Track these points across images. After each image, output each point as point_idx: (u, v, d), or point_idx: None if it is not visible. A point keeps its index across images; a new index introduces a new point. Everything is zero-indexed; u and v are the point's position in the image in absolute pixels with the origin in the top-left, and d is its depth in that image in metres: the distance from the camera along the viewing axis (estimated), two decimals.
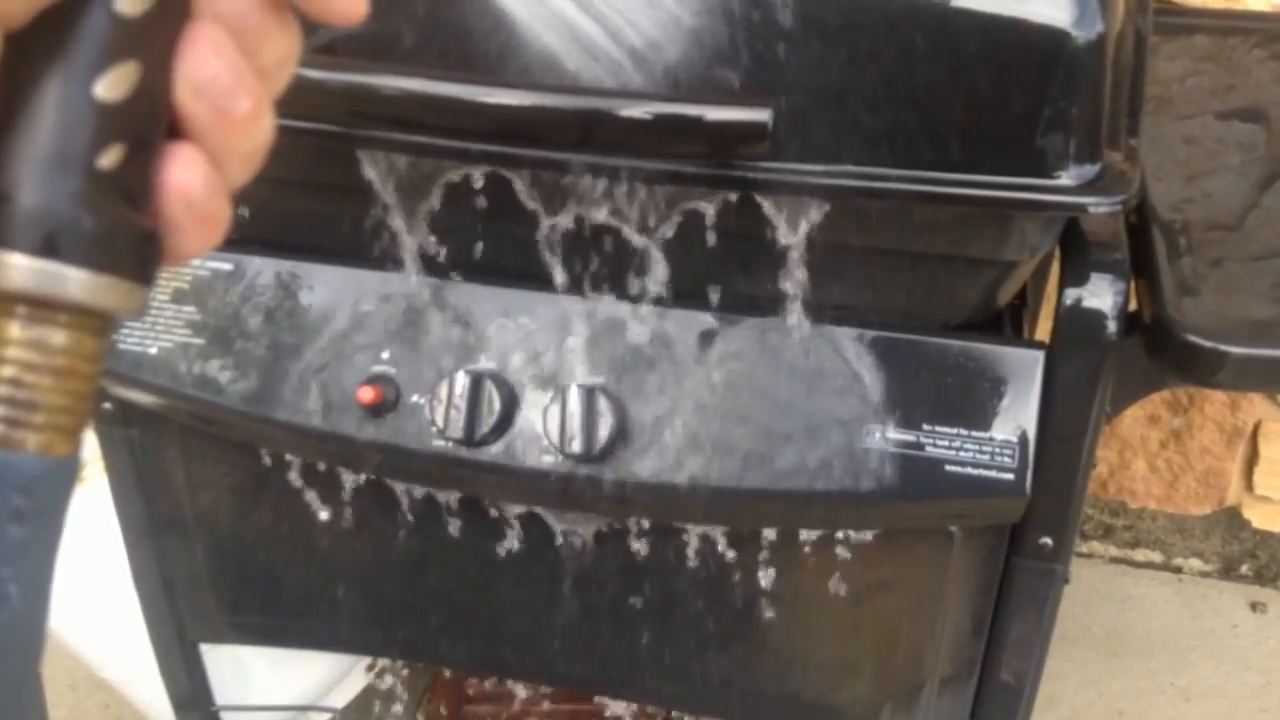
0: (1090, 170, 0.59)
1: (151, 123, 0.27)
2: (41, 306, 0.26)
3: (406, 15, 0.62)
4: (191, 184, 0.28)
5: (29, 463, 0.26)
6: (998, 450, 0.66)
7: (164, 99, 0.27)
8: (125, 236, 0.27)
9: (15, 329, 0.26)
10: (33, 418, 0.26)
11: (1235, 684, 1.41)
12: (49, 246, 0.26)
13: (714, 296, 0.69)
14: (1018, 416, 0.66)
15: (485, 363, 0.71)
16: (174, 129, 0.28)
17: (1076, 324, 0.65)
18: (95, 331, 0.27)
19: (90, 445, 0.86)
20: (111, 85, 0.26)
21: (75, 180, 0.26)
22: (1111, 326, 0.64)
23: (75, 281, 0.26)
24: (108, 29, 0.26)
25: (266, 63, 0.29)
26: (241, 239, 0.73)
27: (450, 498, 0.79)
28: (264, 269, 0.74)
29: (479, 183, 0.66)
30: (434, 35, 0.62)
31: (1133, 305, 0.68)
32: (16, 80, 0.26)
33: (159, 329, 0.75)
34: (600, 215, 0.65)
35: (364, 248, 0.71)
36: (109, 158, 0.26)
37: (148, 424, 0.83)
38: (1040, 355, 0.66)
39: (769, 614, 0.79)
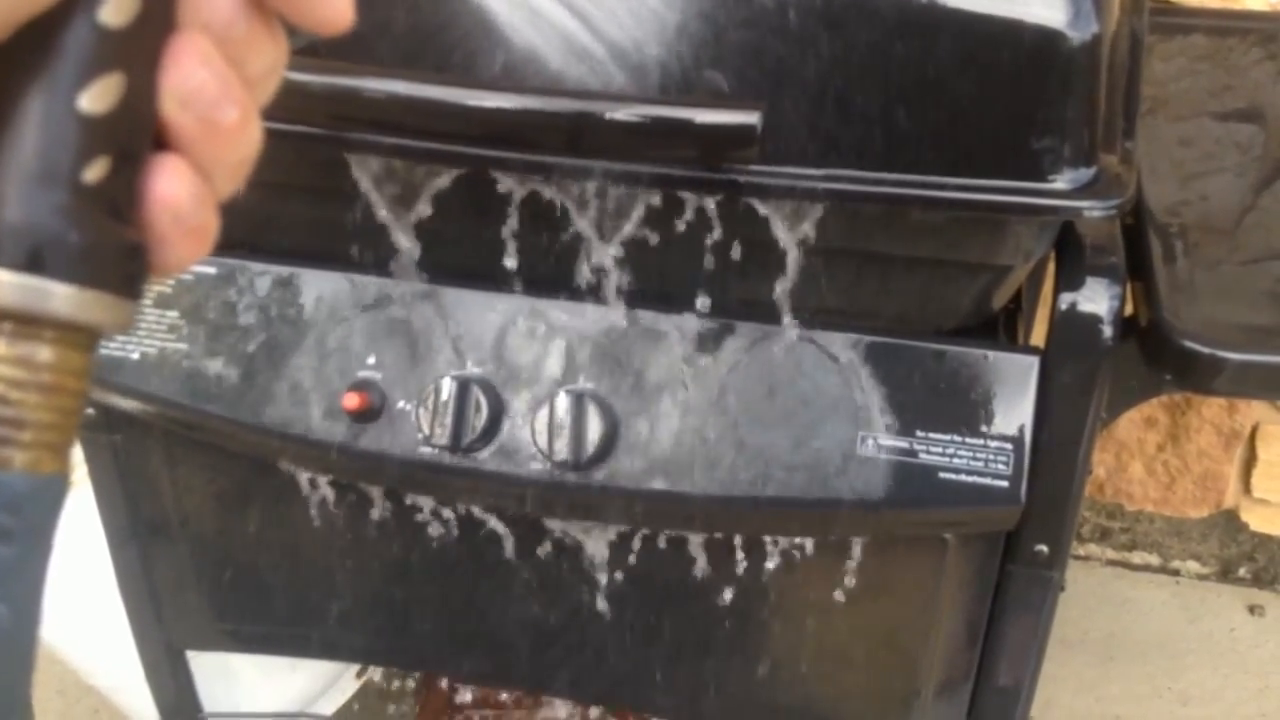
0: (1085, 173, 0.58)
1: (137, 135, 0.27)
2: (27, 322, 0.26)
3: (391, 16, 0.61)
4: (178, 196, 0.27)
5: (16, 481, 0.26)
6: (992, 457, 0.65)
7: (150, 110, 0.27)
8: (112, 250, 0.26)
9: (1, 345, 0.26)
10: (20, 435, 0.26)
11: (1233, 687, 1.40)
12: (34, 262, 0.25)
13: (705, 301, 0.68)
14: (1012, 423, 0.65)
15: (472, 368, 0.70)
16: (160, 140, 0.28)
17: (1072, 329, 0.64)
18: (82, 347, 0.27)
19: (74, 450, 0.85)
20: (96, 97, 0.26)
21: (60, 194, 0.26)
22: (1107, 331, 0.63)
23: (61, 297, 0.26)
24: (91, 41, 0.26)
25: (253, 72, 0.28)
26: (226, 243, 0.72)
27: (438, 504, 0.78)
28: (248, 273, 0.74)
29: (465, 187, 0.65)
30: (419, 36, 0.61)
31: (1129, 310, 0.67)
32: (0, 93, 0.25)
33: (142, 334, 0.74)
34: (587, 219, 0.64)
35: (350, 252, 0.70)
36: (94, 171, 0.26)
37: (131, 429, 0.82)
38: (1035, 361, 0.66)
39: (762, 621, 0.78)
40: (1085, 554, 1.57)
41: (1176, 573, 1.55)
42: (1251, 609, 1.50)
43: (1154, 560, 1.56)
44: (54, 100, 0.25)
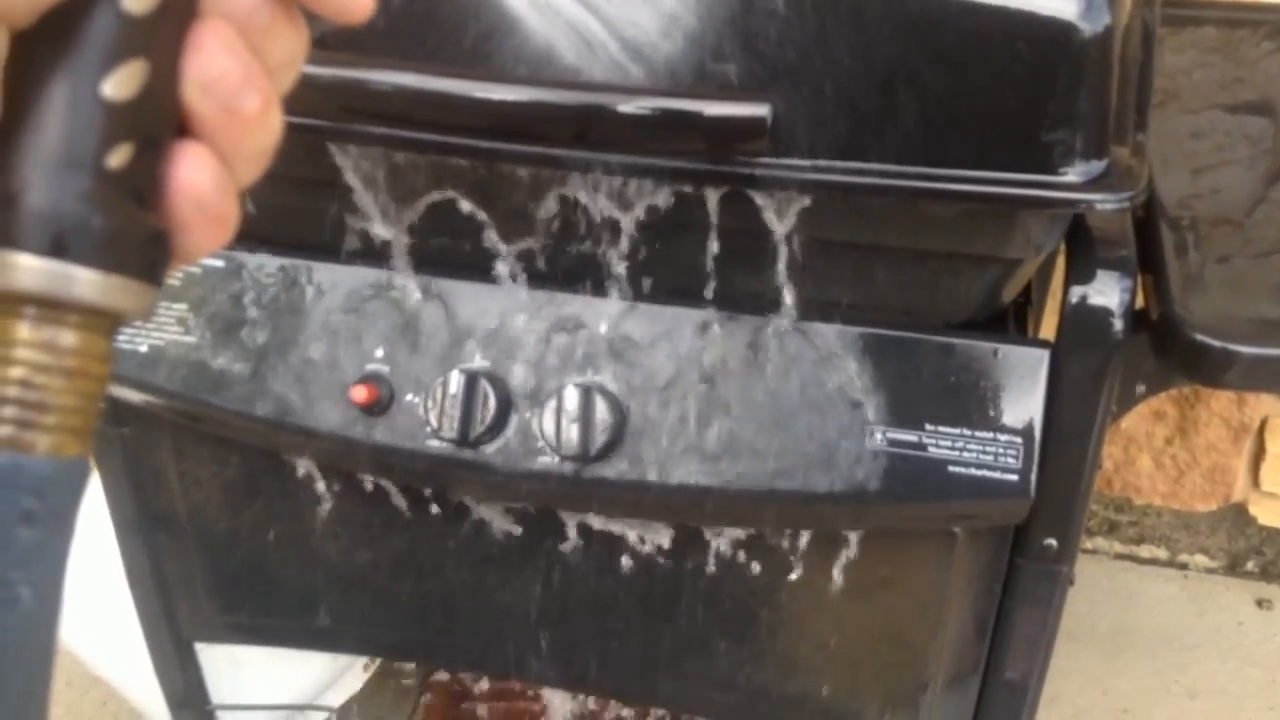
0: (1097, 166, 0.58)
1: (160, 122, 0.27)
2: (51, 307, 0.26)
3: (401, 7, 0.61)
4: (201, 183, 0.28)
5: (40, 464, 0.26)
6: (1001, 451, 0.65)
7: (172, 98, 0.27)
8: (135, 236, 0.27)
9: (25, 330, 0.26)
10: (43, 419, 0.26)
11: (1241, 681, 1.40)
12: (58, 247, 0.25)
13: (714, 294, 0.68)
14: (1022, 416, 0.65)
15: (480, 362, 0.70)
16: (183, 128, 0.28)
17: (1082, 322, 0.64)
18: (105, 332, 0.27)
19: None
20: (120, 84, 0.26)
21: (84, 180, 0.26)
22: (1118, 325, 0.63)
23: (85, 282, 0.26)
24: (115, 27, 0.26)
25: (274, 60, 0.28)
26: (235, 236, 0.72)
27: (445, 497, 0.78)
28: (257, 266, 0.74)
29: (474, 180, 0.65)
30: (429, 28, 0.61)
31: (1139, 303, 0.67)
32: (24, 80, 0.26)
33: (150, 326, 0.74)
34: (596, 213, 0.64)
35: (358, 244, 0.70)
36: (118, 157, 0.26)
37: (139, 422, 0.82)
38: (1045, 354, 0.65)
39: (770, 615, 0.78)
40: (1093, 547, 1.57)
41: (1184, 566, 1.55)
42: (1259, 603, 1.50)
43: (1162, 554, 1.55)
44: (78, 86, 0.26)
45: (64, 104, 0.26)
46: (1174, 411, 1.41)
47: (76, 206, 0.26)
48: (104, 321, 0.27)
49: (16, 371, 0.26)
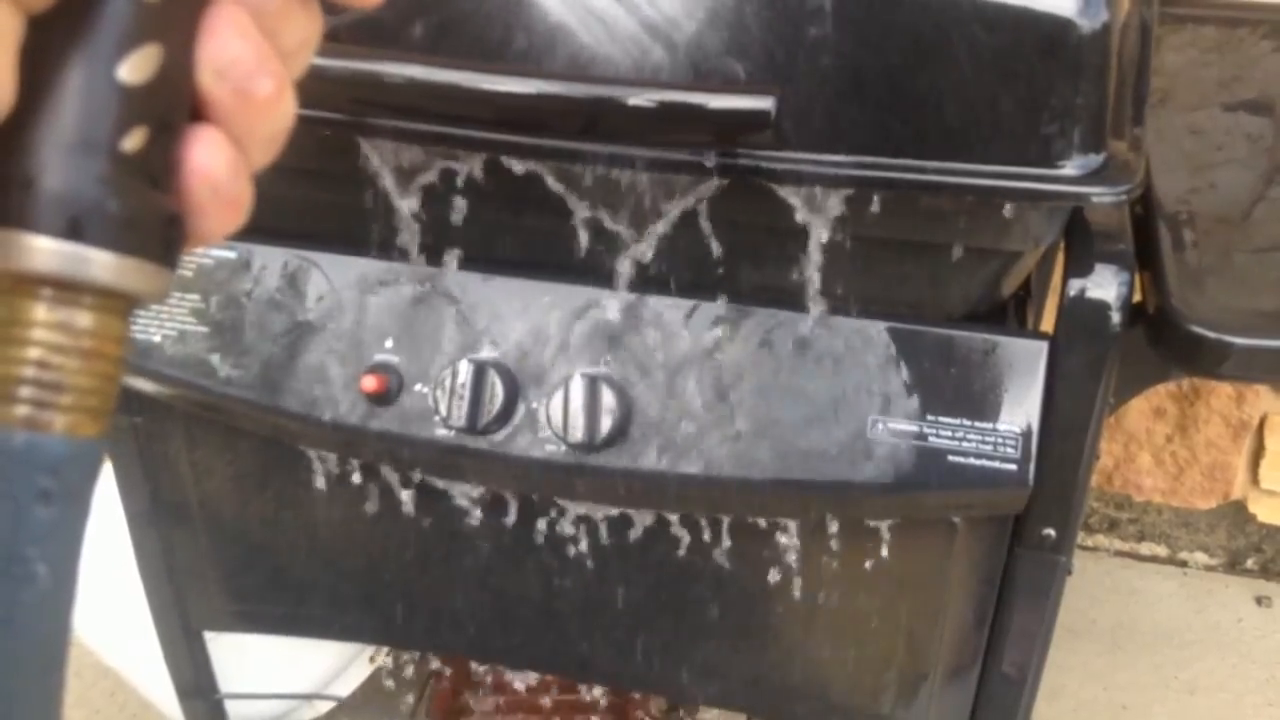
0: (1094, 160, 0.59)
1: (174, 105, 0.27)
2: (67, 289, 0.26)
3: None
4: (215, 166, 0.28)
5: (56, 444, 0.26)
6: (1001, 441, 0.66)
7: (187, 81, 0.27)
8: (149, 219, 0.27)
9: (41, 311, 0.26)
10: (59, 399, 0.26)
11: (1240, 678, 1.40)
12: (74, 229, 0.26)
13: (718, 286, 0.69)
14: (1021, 407, 0.66)
15: (489, 351, 0.71)
16: (197, 111, 0.28)
17: (1081, 315, 0.64)
18: (120, 313, 0.27)
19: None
20: (134, 68, 0.26)
21: (99, 163, 0.26)
22: (1116, 318, 0.64)
23: (100, 264, 0.26)
24: (130, 12, 0.26)
25: (288, 44, 0.29)
26: (246, 227, 0.73)
27: (453, 486, 0.79)
28: (268, 257, 0.74)
29: (482, 171, 0.65)
30: (439, 16, 0.62)
31: (1137, 297, 0.67)
32: (40, 63, 0.26)
33: (163, 317, 0.75)
34: (603, 204, 0.65)
35: (368, 236, 0.71)
36: (133, 141, 0.26)
37: (152, 411, 0.83)
38: (1044, 346, 0.66)
39: (771, 604, 0.79)
40: (1093, 544, 1.58)
41: (1184, 564, 1.56)
42: (1259, 600, 1.50)
43: (1162, 551, 1.56)
44: (94, 70, 0.26)
45: (79, 88, 0.26)
46: (1174, 409, 1.42)
47: (92, 189, 0.26)
48: (119, 303, 0.27)
49: (33, 352, 0.26)
